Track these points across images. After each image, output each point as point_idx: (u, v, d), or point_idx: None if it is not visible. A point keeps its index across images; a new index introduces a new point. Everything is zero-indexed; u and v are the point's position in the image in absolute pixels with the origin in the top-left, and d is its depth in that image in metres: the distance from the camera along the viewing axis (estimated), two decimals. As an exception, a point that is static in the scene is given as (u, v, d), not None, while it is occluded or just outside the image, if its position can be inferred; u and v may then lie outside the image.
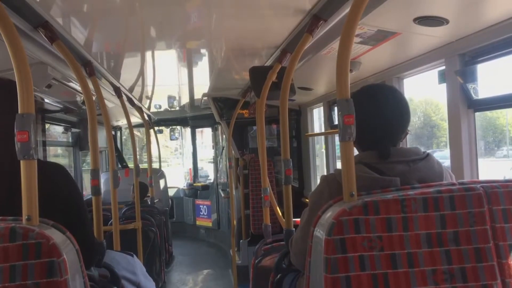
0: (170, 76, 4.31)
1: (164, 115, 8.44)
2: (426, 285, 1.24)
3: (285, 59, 2.70)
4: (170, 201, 8.46)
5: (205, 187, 8.98)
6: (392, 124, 1.60)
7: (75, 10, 2.11)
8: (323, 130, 5.14)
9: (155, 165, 8.30)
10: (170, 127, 9.58)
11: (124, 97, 4.19)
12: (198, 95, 5.75)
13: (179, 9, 2.19)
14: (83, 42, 2.53)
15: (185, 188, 9.52)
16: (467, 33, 2.25)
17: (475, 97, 2.39)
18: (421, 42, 2.51)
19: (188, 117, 8.99)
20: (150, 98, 5.77)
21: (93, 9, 2.12)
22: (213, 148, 9.29)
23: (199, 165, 9.93)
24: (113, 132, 7.84)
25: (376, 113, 1.60)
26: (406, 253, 1.26)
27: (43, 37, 2.10)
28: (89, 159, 5.03)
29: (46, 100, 3.96)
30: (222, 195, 7.57)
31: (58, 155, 6.43)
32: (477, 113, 2.45)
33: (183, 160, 11.32)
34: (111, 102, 4.39)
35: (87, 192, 6.21)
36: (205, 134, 10.03)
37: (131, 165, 5.82)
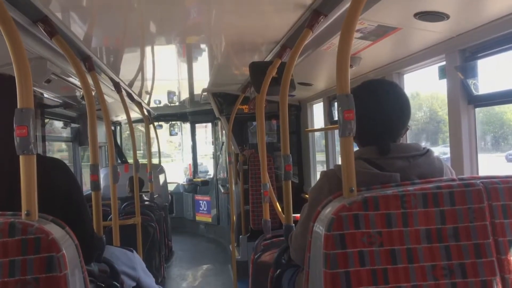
0: (170, 71, 4.30)
1: (164, 111, 8.44)
2: (426, 280, 1.24)
3: (285, 55, 2.69)
4: (169, 197, 8.47)
5: (205, 183, 8.99)
6: (392, 120, 1.59)
7: (74, 5, 2.10)
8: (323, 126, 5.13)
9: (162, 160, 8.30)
10: (170, 123, 9.57)
11: (124, 92, 4.18)
12: (198, 90, 5.75)
13: (179, 4, 2.18)
14: (82, 37, 2.52)
15: (184, 183, 9.53)
16: (467, 28, 2.25)
17: (475, 93, 2.39)
18: (422, 38, 2.50)
19: (187, 113, 8.99)
20: (150, 94, 5.77)
21: (92, 4, 2.11)
22: (212, 144, 9.30)
23: (199, 160, 9.94)
24: (112, 128, 7.84)
25: (376, 109, 1.59)
26: (405, 249, 1.26)
27: (43, 32, 2.10)
28: (88, 154, 5.04)
29: (45, 95, 3.95)
30: (222, 190, 7.58)
31: (62, 150, 6.43)
32: (484, 108, 2.44)
33: (183, 156, 11.32)
34: (111, 97, 4.38)
35: (86, 187, 6.21)
36: (206, 130, 10.03)
37: (131, 160, 5.82)
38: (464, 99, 2.44)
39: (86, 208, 1.82)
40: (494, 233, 1.29)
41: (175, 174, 10.54)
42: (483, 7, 2.01)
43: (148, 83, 4.91)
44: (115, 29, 2.61)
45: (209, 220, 8.61)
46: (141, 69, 3.96)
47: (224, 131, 6.97)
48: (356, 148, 1.59)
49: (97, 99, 2.80)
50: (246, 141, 6.74)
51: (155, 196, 6.19)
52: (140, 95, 5.56)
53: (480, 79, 2.36)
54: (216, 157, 8.85)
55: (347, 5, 1.43)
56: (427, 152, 1.56)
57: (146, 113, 6.14)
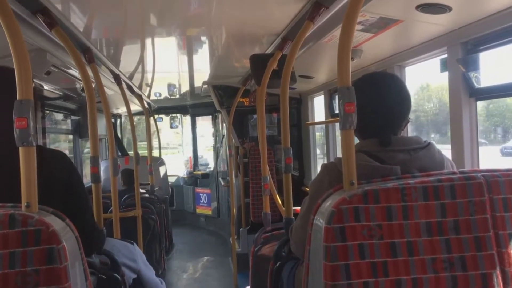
0: (170, 63, 4.29)
1: (164, 103, 8.43)
2: (426, 273, 1.24)
3: (286, 47, 2.68)
4: (170, 189, 8.48)
5: (205, 175, 8.99)
6: (393, 112, 1.59)
7: (74, -4, 2.09)
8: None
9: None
10: (170, 115, 9.56)
11: (124, 85, 4.17)
12: (198, 83, 5.73)
13: (179, -5, 2.17)
14: (82, 28, 2.51)
15: (185, 176, 9.54)
16: (470, 21, 2.23)
17: (476, 85, 2.38)
18: (424, 30, 2.49)
19: (188, 105, 8.98)
20: (150, 86, 5.75)
21: (92, -5, 2.10)
22: (213, 136, 9.29)
23: (199, 153, 9.94)
24: (112, 120, 7.83)
25: (377, 101, 1.59)
26: (405, 242, 1.25)
27: (42, 23, 2.09)
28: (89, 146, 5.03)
29: (45, 87, 3.94)
30: (222, 183, 7.59)
31: (60, 141, 6.44)
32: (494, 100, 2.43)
33: (183, 148, 11.32)
34: (111, 89, 4.38)
35: (87, 179, 6.21)
36: (207, 122, 10.02)
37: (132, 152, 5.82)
38: (466, 92, 2.43)
39: (87, 200, 1.82)
40: (495, 226, 1.29)
41: (182, 166, 10.54)
42: (485, -1, 2.00)
43: (149, 76, 4.90)
44: (115, 21, 2.60)
45: (210, 212, 8.63)
46: (141, 61, 3.95)
47: (224, 124, 6.96)
48: (356, 141, 1.59)
49: (97, 91, 2.79)
50: (246, 134, 6.74)
51: (155, 189, 6.20)
52: (140, 87, 5.54)
53: (482, 72, 2.35)
54: (216, 150, 8.85)
55: (349, -4, 1.42)
56: (428, 145, 1.55)
57: (146, 105, 6.13)
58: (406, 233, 1.26)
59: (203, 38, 3.28)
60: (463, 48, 2.39)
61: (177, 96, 7.26)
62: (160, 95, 6.93)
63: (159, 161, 7.68)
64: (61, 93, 4.40)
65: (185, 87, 6.31)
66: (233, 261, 5.57)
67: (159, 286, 2.68)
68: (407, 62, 3.06)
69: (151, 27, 2.79)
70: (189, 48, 3.53)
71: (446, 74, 2.54)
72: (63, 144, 6.49)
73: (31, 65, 1.29)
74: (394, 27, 2.40)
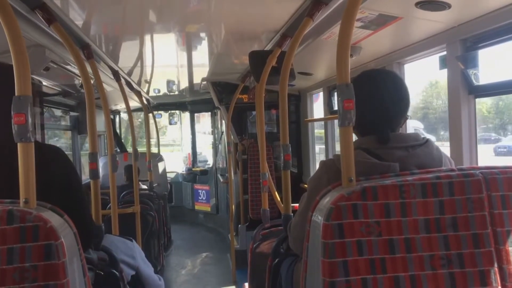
0: (169, 60, 4.28)
1: (163, 100, 8.42)
2: (424, 270, 1.25)
3: (285, 44, 2.67)
4: (169, 186, 8.48)
5: (204, 172, 8.99)
6: (391, 109, 1.59)
7: (72, -8, 2.08)
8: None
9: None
10: (169, 112, 9.55)
11: (123, 81, 4.16)
12: (197, 79, 5.73)
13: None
14: (81, 24, 2.50)
15: (184, 172, 9.54)
16: (469, 18, 2.23)
17: (475, 83, 2.38)
18: (423, 27, 2.48)
19: (187, 102, 8.97)
20: (149, 82, 5.75)
21: (91, -10, 2.09)
22: (212, 133, 9.29)
23: (198, 150, 9.94)
24: (111, 116, 7.82)
25: (375, 98, 1.59)
26: (404, 239, 1.26)
27: (41, 19, 2.08)
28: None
29: (44, 83, 3.94)
30: (221, 180, 7.59)
31: (57, 136, 6.43)
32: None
33: (182, 145, 11.31)
34: (110, 85, 4.37)
35: (86, 175, 6.21)
36: (206, 119, 10.01)
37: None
38: (465, 89, 2.43)
39: (84, 196, 1.82)
40: (493, 223, 1.29)
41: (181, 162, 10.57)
42: (485, -4, 2.00)
43: (147, 72, 4.89)
44: (114, 17, 2.59)
45: (208, 209, 8.63)
46: (140, 57, 3.94)
47: (223, 121, 6.96)
48: (355, 138, 1.59)
49: (96, 87, 2.79)
50: (245, 131, 6.73)
51: (154, 185, 6.20)
52: (139, 84, 5.54)
53: (481, 69, 2.35)
54: (215, 147, 8.84)
55: (348, -7, 1.41)
56: (426, 142, 1.55)
57: (145, 102, 6.12)
58: (404, 230, 1.26)
59: (202, 35, 3.27)
60: (462, 45, 2.39)
61: (176, 93, 7.25)
62: (159, 91, 6.92)
63: (158, 158, 7.68)
64: (59, 89, 4.40)
65: (184, 84, 6.30)
66: (232, 257, 5.58)
67: (157, 282, 2.68)
68: (406, 59, 3.06)
69: (150, 23, 2.78)
70: (188, 44, 3.53)
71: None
72: (61, 140, 6.49)
73: (29, 61, 1.29)
74: (393, 24, 2.40)
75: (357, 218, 1.24)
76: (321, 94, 5.15)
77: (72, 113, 6.14)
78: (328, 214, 1.24)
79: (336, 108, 4.45)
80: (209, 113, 9.26)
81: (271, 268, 2.14)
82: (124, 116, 9.16)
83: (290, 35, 2.61)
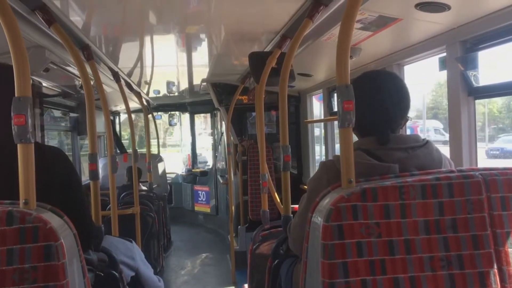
0: (169, 61, 4.28)
1: (163, 101, 8.42)
2: (423, 271, 1.25)
3: (285, 45, 2.67)
4: (168, 187, 8.47)
5: (204, 173, 8.98)
6: (391, 110, 1.59)
7: (72, -7, 2.08)
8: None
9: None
10: (169, 113, 9.55)
11: (123, 82, 4.16)
12: (197, 80, 5.73)
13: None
14: (81, 25, 2.51)
15: (183, 173, 9.53)
16: (469, 19, 2.23)
17: (475, 84, 2.38)
18: (422, 29, 2.49)
19: (186, 103, 8.97)
20: (149, 83, 5.75)
21: (91, -8, 2.09)
22: (211, 135, 9.28)
23: (198, 151, 9.94)
24: (111, 117, 7.82)
25: (375, 99, 1.59)
26: (403, 240, 1.26)
27: (41, 20, 2.08)
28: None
29: (44, 84, 3.93)
30: (221, 181, 7.59)
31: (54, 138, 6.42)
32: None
33: (182, 146, 11.32)
34: (110, 87, 4.37)
35: (85, 176, 6.21)
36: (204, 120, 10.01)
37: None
38: (464, 90, 2.43)
39: (84, 197, 1.82)
40: (492, 224, 1.29)
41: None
42: (485, -3, 2.00)
43: (147, 73, 4.89)
44: (114, 18, 2.60)
45: (208, 210, 8.63)
46: (140, 58, 3.94)
47: (223, 122, 6.96)
48: (355, 139, 1.59)
49: (96, 88, 2.79)
50: (245, 132, 6.73)
51: (154, 186, 6.19)
52: (139, 85, 5.54)
53: (481, 70, 2.35)
54: (215, 148, 8.84)
55: (348, -5, 1.42)
56: (426, 143, 1.56)
57: (145, 103, 6.12)
58: (404, 231, 1.26)
59: (202, 36, 3.27)
60: (462, 47, 2.39)
61: (176, 94, 7.25)
62: (159, 92, 6.92)
63: (158, 159, 7.68)
64: (59, 90, 4.39)
65: (184, 85, 6.30)
66: (231, 258, 5.57)
67: (157, 283, 2.68)
68: (406, 60, 3.06)
69: (150, 24, 2.78)
70: (188, 45, 3.53)
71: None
72: (61, 141, 6.49)
73: (29, 62, 1.29)
74: (393, 25, 2.40)
75: (356, 219, 1.24)
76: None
77: (72, 114, 6.13)
78: (328, 215, 1.24)
79: (336, 109, 4.46)
80: (209, 114, 9.26)
81: (271, 269, 2.14)
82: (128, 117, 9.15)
83: (290, 36, 2.62)
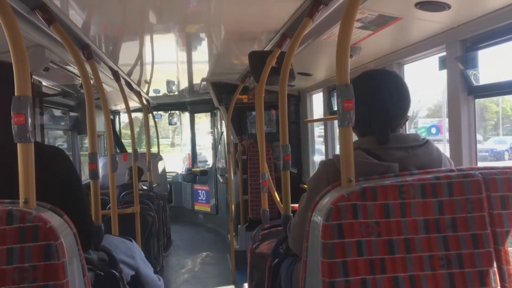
0: (169, 60, 4.28)
1: (163, 100, 8.42)
2: (423, 270, 1.25)
3: (285, 44, 2.67)
4: (168, 186, 8.47)
5: (204, 172, 8.99)
6: (391, 110, 1.59)
7: (72, -8, 2.08)
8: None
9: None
10: (169, 112, 9.56)
11: (123, 81, 4.16)
12: (197, 79, 5.73)
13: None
14: (81, 24, 2.50)
15: (183, 173, 9.54)
16: (469, 18, 2.23)
17: (475, 83, 2.38)
18: (422, 28, 2.49)
19: (186, 102, 8.97)
20: (149, 83, 5.75)
21: (90, -9, 2.09)
22: (211, 134, 9.28)
23: (198, 150, 9.94)
24: (111, 117, 7.82)
25: (375, 98, 1.59)
26: (403, 239, 1.26)
27: (40, 19, 2.08)
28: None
29: (44, 84, 3.94)
30: (221, 180, 7.59)
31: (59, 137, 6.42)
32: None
33: (182, 145, 11.32)
34: (110, 86, 4.37)
35: (85, 176, 6.21)
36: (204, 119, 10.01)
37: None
38: (464, 90, 2.43)
39: (84, 196, 1.82)
40: (492, 223, 1.29)
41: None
42: (485, -3, 2.00)
43: (147, 72, 4.89)
44: (114, 17, 2.59)
45: (208, 209, 8.63)
46: (140, 58, 3.94)
47: (223, 121, 6.96)
48: (355, 139, 1.59)
49: (96, 87, 2.79)
50: (245, 131, 6.73)
51: (154, 186, 6.19)
52: (139, 84, 5.54)
53: (481, 69, 2.35)
54: (215, 147, 8.84)
55: (348, -6, 1.42)
56: (426, 142, 1.56)
57: (145, 102, 6.12)
58: (403, 230, 1.26)
59: (202, 35, 3.27)
60: (462, 46, 2.39)
61: (176, 93, 7.24)
62: (159, 92, 6.92)
63: (158, 158, 7.68)
64: (59, 90, 4.39)
65: (184, 84, 6.30)
66: (231, 258, 5.58)
67: (157, 283, 2.68)
68: (406, 59, 3.06)
69: (150, 23, 2.78)
70: (188, 45, 3.53)
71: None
72: (60, 141, 6.49)
73: (29, 61, 1.29)
74: (393, 24, 2.40)
75: (356, 218, 1.24)
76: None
77: (72, 114, 6.13)
78: (328, 214, 1.24)
79: (335, 108, 4.46)
80: (209, 113, 9.26)
81: (271, 269, 2.14)
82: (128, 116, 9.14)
83: (290, 35, 2.61)
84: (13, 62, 1.26)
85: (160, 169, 7.63)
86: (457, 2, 2.03)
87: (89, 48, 2.74)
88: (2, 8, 1.26)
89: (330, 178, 1.53)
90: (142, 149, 9.24)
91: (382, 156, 1.50)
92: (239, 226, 5.79)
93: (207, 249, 7.04)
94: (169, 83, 6.09)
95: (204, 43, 3.50)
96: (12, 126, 1.25)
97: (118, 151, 7.99)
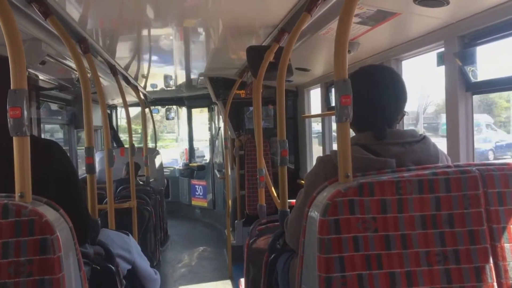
0: (166, 55, 4.26)
1: (160, 95, 8.39)
2: (419, 266, 1.25)
3: (283, 39, 2.66)
4: (165, 181, 8.47)
5: (201, 167, 8.98)
6: (388, 105, 1.59)
7: (69, -15, 2.07)
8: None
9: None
10: (166, 107, 9.54)
11: (120, 76, 4.15)
12: (194, 74, 5.71)
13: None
14: (77, 18, 2.49)
15: (180, 168, 9.53)
16: (467, 14, 2.23)
17: (473, 79, 2.38)
18: (421, 23, 2.48)
19: (184, 97, 8.95)
20: (146, 77, 5.73)
21: (87, -16, 2.08)
22: (209, 130, 9.27)
23: (195, 145, 9.93)
24: (108, 111, 7.80)
25: (372, 93, 1.59)
26: (400, 235, 1.26)
27: (37, 12, 2.07)
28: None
29: (40, 77, 3.92)
30: (218, 175, 7.58)
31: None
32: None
33: (179, 140, 11.31)
34: (107, 80, 4.35)
35: (82, 170, 6.19)
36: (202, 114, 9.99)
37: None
38: (462, 86, 2.43)
39: (81, 190, 1.81)
40: (489, 220, 1.29)
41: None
42: (483, -7, 1.99)
43: (144, 67, 4.87)
44: (111, 11, 2.58)
45: (205, 204, 8.63)
46: (137, 52, 3.93)
47: (220, 116, 6.95)
48: (352, 135, 1.59)
49: (93, 82, 2.77)
50: (242, 126, 6.72)
51: (151, 180, 6.19)
52: (136, 78, 5.52)
53: (482, 65, 2.35)
54: (212, 142, 8.83)
55: (347, -12, 1.41)
56: (423, 138, 1.56)
57: (142, 97, 6.10)
58: (400, 226, 1.26)
59: (200, 30, 3.26)
60: (460, 42, 2.38)
61: (173, 88, 7.23)
62: (156, 86, 6.90)
63: (155, 153, 7.66)
64: (56, 83, 4.37)
65: (182, 79, 6.28)
66: (228, 253, 5.59)
67: (153, 277, 2.68)
68: (404, 55, 3.05)
69: (147, 17, 2.76)
70: (185, 39, 3.51)
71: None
72: (56, 135, 6.47)
73: (26, 54, 1.28)
74: (392, 20, 2.39)
75: (353, 214, 1.24)
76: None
77: (68, 108, 6.11)
78: (325, 209, 1.23)
79: (333, 104, 4.45)
80: (206, 108, 9.24)
81: (267, 264, 2.15)
82: (131, 110, 9.11)
83: (288, 30, 2.60)
84: (9, 55, 1.25)
85: (157, 164, 7.62)
86: (456, -3, 2.03)
87: (86, 41, 2.73)
88: (-3, 0, 1.25)
89: (327, 174, 1.53)
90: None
91: (379, 152, 1.50)
92: (236, 221, 5.79)
93: (204, 244, 7.05)
94: (166, 77, 6.07)
95: (202, 38, 3.49)
96: (8, 120, 1.24)
97: (115, 145, 7.97)
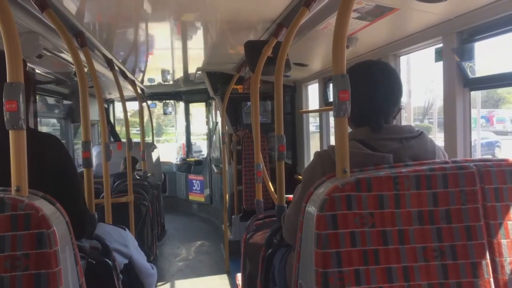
0: (164, 49, 4.25)
1: (158, 89, 8.38)
2: (416, 261, 1.25)
3: (281, 34, 2.66)
4: (163, 176, 8.46)
5: (198, 162, 8.98)
6: (384, 98, 1.60)
7: (66, -22, 2.05)
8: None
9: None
10: (164, 101, 9.52)
11: (117, 70, 4.13)
12: (192, 69, 5.70)
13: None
14: (75, 11, 2.47)
15: (178, 162, 9.53)
16: (465, 10, 2.22)
17: (471, 75, 2.38)
18: (419, 19, 2.48)
19: (181, 92, 8.93)
20: (144, 72, 5.71)
21: (84, -23, 2.06)
22: (206, 124, 9.26)
23: (192, 140, 9.92)
24: (105, 105, 7.78)
25: (369, 87, 1.59)
26: (397, 230, 1.26)
27: (34, 5, 2.05)
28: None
29: (37, 71, 3.90)
30: (215, 170, 7.59)
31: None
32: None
33: (176, 135, 11.30)
34: (104, 74, 4.34)
35: (79, 164, 6.18)
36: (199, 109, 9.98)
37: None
38: (460, 82, 2.43)
39: (78, 184, 1.81)
40: (486, 216, 1.30)
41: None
42: (482, -12, 1.99)
43: (142, 61, 4.86)
44: (109, 4, 2.56)
45: (202, 199, 8.63)
46: (134, 46, 3.91)
47: (218, 111, 6.93)
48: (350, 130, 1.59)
49: (90, 75, 2.76)
50: (240, 121, 6.72)
51: (148, 175, 6.18)
52: (133, 73, 5.50)
53: (481, 61, 2.35)
54: (210, 137, 8.83)
55: (345, -17, 1.40)
56: (420, 134, 1.56)
57: (139, 91, 6.09)
58: (397, 221, 1.26)
59: (198, 24, 3.24)
60: (458, 38, 2.38)
61: (171, 82, 7.21)
62: (154, 81, 6.88)
63: (152, 147, 7.66)
64: (53, 77, 4.36)
65: (179, 73, 6.27)
66: (225, 247, 5.59)
67: (150, 271, 2.68)
68: (402, 51, 3.05)
69: (145, 11, 2.75)
70: (183, 33, 3.50)
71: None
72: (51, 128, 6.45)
73: (22, 47, 1.27)
74: (390, 15, 2.38)
75: (350, 209, 1.24)
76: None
77: (65, 102, 6.09)
78: (322, 205, 1.23)
79: (331, 99, 4.45)
80: (204, 103, 9.24)
81: (264, 259, 2.15)
82: (131, 105, 9.08)
83: (286, 25, 2.60)
84: (5, 48, 1.24)
85: (154, 159, 7.61)
86: (455, -7, 2.02)
87: (83, 35, 2.71)
88: (-7, -8, 1.24)
89: (325, 169, 1.53)
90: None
91: (377, 147, 1.50)
92: (233, 216, 5.80)
93: (201, 239, 7.06)
94: (164, 72, 6.05)
95: (200, 32, 3.48)
96: (4, 113, 1.24)
97: (112, 140, 7.96)
